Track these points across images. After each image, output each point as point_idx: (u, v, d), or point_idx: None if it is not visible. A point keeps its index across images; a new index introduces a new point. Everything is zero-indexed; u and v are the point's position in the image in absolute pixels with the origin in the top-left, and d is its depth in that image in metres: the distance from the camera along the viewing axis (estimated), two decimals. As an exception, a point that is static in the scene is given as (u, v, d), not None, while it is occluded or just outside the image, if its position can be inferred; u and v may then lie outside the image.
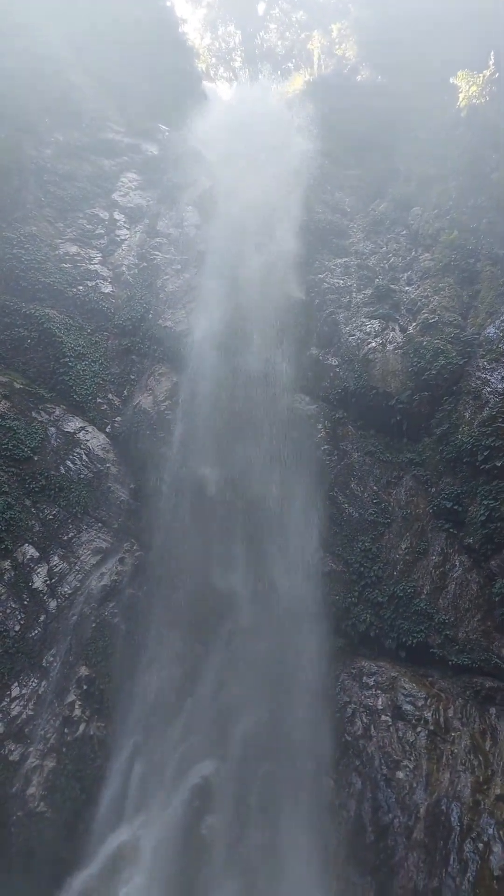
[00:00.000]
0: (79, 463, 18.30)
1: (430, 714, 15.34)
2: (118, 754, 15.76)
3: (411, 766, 14.73)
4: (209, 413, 18.64)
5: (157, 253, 21.81)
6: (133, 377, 19.78)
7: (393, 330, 19.51)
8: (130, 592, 17.27)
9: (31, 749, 15.31)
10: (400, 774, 14.68)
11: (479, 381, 17.84)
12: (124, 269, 21.31)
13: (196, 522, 17.82)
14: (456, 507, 17.03)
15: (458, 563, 16.81)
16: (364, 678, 16.12)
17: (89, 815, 15.07)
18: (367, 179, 23.11)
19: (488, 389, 17.63)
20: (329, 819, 14.67)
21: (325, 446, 18.58)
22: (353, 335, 19.66)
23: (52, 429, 18.39)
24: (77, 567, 17.27)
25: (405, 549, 17.24)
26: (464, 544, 16.81)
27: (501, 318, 18.55)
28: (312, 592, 17.05)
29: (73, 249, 21.00)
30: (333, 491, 18.09)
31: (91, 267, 20.91)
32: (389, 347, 19.18)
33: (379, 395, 18.71)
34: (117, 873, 14.55)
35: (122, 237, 21.88)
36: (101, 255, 21.23)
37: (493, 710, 15.38)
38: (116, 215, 22.09)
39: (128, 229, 21.99)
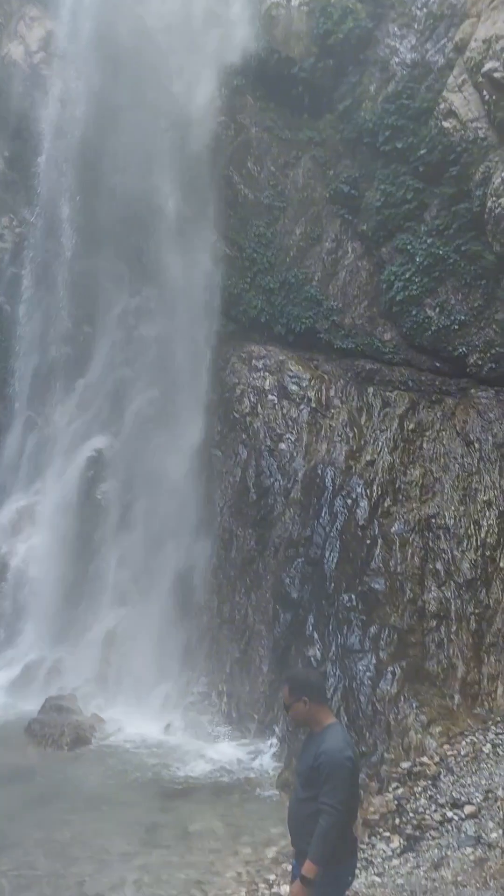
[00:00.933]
0: None
1: (312, 394, 16.16)
2: (9, 430, 16.05)
3: (293, 439, 15.79)
4: (92, 70, 16.34)
5: None
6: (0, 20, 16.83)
7: (300, -19, 17.11)
8: (13, 272, 16.36)
9: None
10: (282, 445, 15.76)
11: (387, 50, 16.27)
12: None
13: (79, 196, 16.47)
14: (353, 192, 16.46)
15: (350, 251, 16.70)
16: (253, 361, 16.57)
17: (-15, 484, 15.71)
18: None
19: (396, 60, 16.16)
20: (216, 484, 15.83)
21: (222, 118, 17.03)
22: (256, -18, 17.15)
23: None
24: (-50, 243, 16.00)
25: (299, 234, 16.84)
26: (357, 231, 16.56)
27: (419, -24, 16.54)
28: (205, 278, 16.71)
29: None
30: (228, 170, 16.97)
31: None
32: (294, 3, 16.96)
33: (281, 60, 16.86)
34: (18, 533, 15.57)
35: None
36: None
37: (370, 390, 16.31)
38: None
39: None
